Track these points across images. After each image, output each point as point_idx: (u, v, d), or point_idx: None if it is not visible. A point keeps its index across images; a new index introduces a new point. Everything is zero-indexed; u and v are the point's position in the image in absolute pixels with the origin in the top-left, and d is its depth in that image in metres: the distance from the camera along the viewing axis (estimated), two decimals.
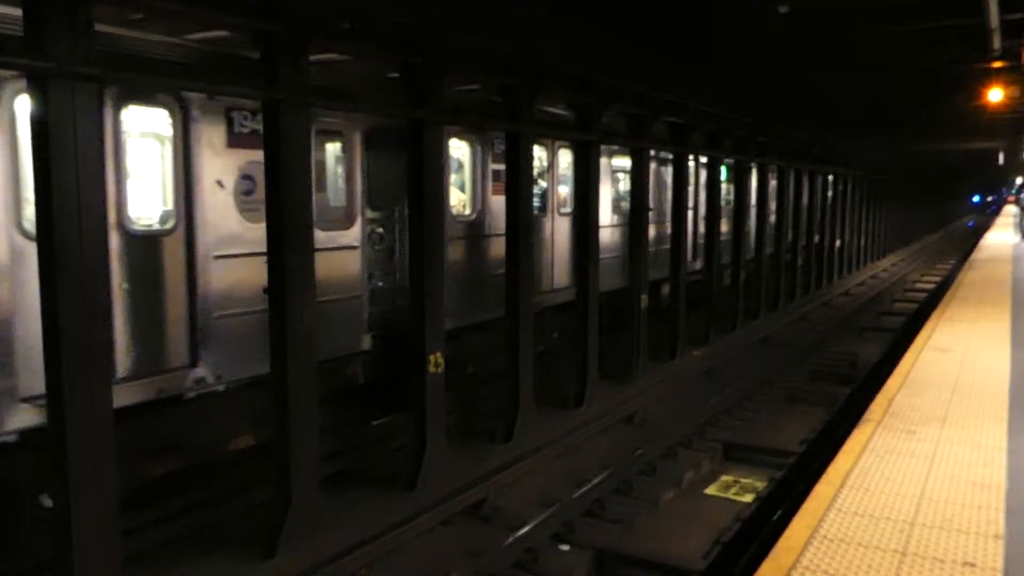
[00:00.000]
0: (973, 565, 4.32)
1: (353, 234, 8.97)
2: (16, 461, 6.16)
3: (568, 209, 12.58)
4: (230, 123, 7.48)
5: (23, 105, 5.97)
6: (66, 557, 5.14)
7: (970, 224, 66.71)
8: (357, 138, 8.91)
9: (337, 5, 6.55)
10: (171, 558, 6.52)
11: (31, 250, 5.63)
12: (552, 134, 11.51)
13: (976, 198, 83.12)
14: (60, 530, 5.21)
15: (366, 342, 9.07)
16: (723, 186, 16.19)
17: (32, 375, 5.79)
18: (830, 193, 23.93)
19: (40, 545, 5.98)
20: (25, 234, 6.11)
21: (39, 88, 4.89)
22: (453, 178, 10.82)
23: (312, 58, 6.61)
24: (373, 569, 6.70)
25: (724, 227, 16.24)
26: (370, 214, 9.66)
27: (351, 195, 8.99)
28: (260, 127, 7.00)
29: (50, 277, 5.05)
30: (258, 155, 6.81)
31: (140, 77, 6.63)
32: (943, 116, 18.48)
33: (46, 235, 5.03)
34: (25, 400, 6.06)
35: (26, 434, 6.10)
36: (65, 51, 4.86)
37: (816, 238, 22.57)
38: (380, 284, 10.01)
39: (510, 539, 7.07)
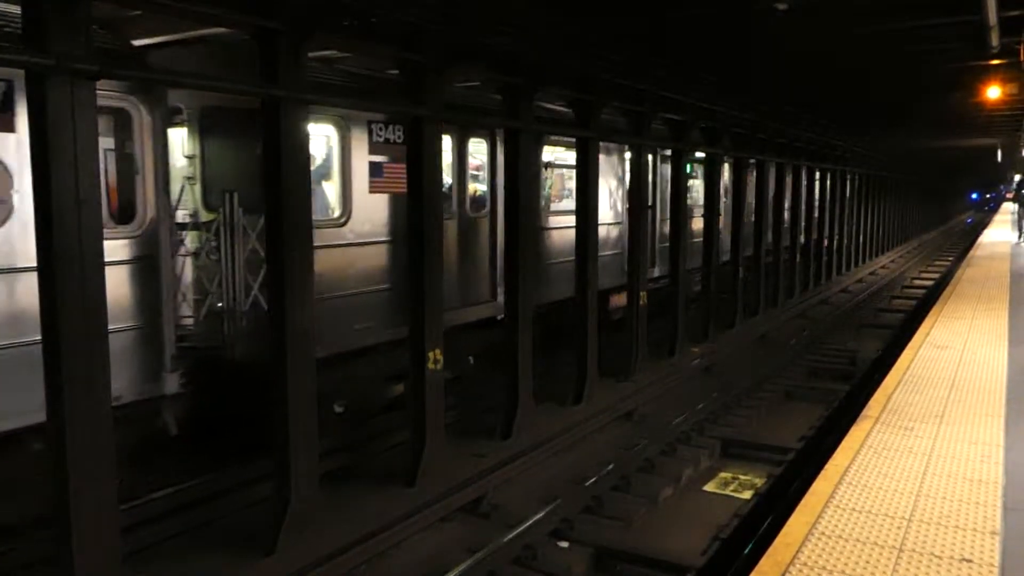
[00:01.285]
0: (970, 561, 4.33)
1: (144, 242, 7.00)
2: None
3: (486, 210, 10.90)
4: None
5: None
6: (66, 553, 5.15)
7: (968, 221, 66.81)
8: (147, 120, 6.94)
9: (337, 2, 6.55)
10: (171, 555, 6.54)
11: None
12: (550, 130, 11.49)
13: (974, 195, 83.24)
14: (60, 527, 5.22)
15: (171, 383, 7.13)
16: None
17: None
18: (828, 190, 23.95)
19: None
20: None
21: (38, 85, 4.90)
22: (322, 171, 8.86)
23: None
24: (372, 566, 6.71)
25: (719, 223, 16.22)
26: (205, 215, 7.93)
27: (139, 191, 6.97)
28: None
29: (49, 273, 5.06)
30: None
31: (139, 74, 6.63)
32: (941, 113, 18.51)
33: (45, 231, 5.03)
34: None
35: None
36: (65, 48, 4.86)
37: (815, 235, 22.61)
38: (218, 305, 7.76)
39: (509, 536, 7.08)
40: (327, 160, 8.83)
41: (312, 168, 7.65)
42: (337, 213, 8.75)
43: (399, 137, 9.10)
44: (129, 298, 6.85)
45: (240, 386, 7.45)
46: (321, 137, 8.71)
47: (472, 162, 10.94)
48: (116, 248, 6.61)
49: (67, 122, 4.94)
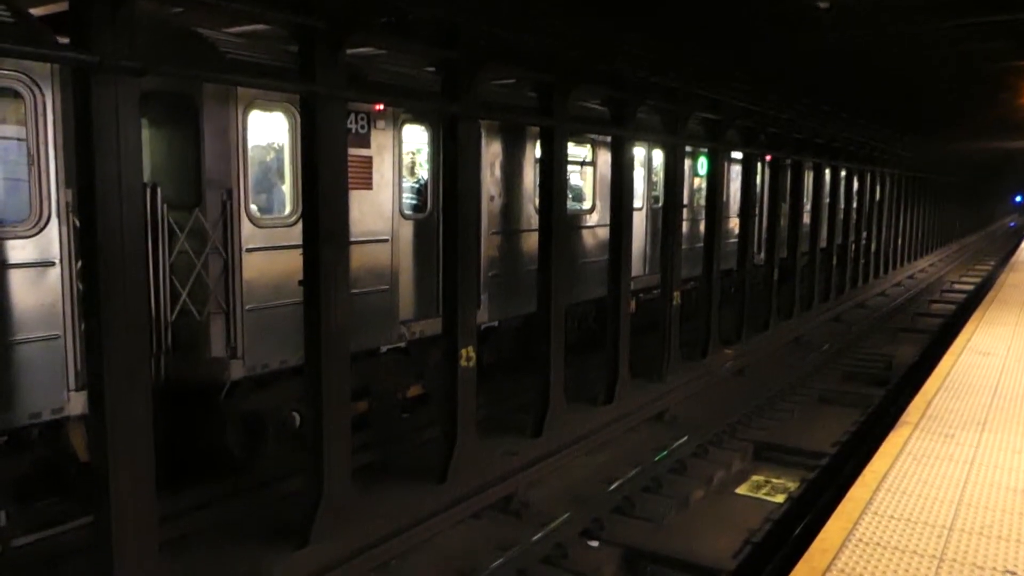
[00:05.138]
0: (1014, 573, 4.23)
1: (42, 244, 6.05)
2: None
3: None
4: None
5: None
6: (105, 542, 5.25)
7: (1012, 224, 65.39)
8: (47, 103, 5.98)
9: (375, 0, 6.57)
10: (205, 545, 6.62)
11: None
12: (586, 129, 11.43)
13: (1018, 198, 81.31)
14: (98, 514, 5.33)
15: (75, 404, 6.18)
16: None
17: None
18: (866, 191, 23.57)
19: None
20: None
21: (83, 81, 4.99)
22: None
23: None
24: (404, 561, 6.74)
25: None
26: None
27: (33, 185, 6.00)
28: None
29: (93, 262, 5.19)
30: None
31: (179, 70, 6.65)
32: (985, 114, 18.09)
33: (89, 224, 5.15)
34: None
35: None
36: (109, 46, 4.95)
37: (851, 237, 22.28)
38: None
39: (540, 534, 7.08)
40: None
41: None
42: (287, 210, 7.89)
43: None
44: (24, 308, 5.97)
45: (164, 408, 6.52)
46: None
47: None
48: (15, 252, 5.93)
49: (111, 118, 5.03)
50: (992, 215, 66.18)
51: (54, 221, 6.08)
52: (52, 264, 6.09)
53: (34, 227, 6.01)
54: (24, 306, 5.96)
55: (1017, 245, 31.32)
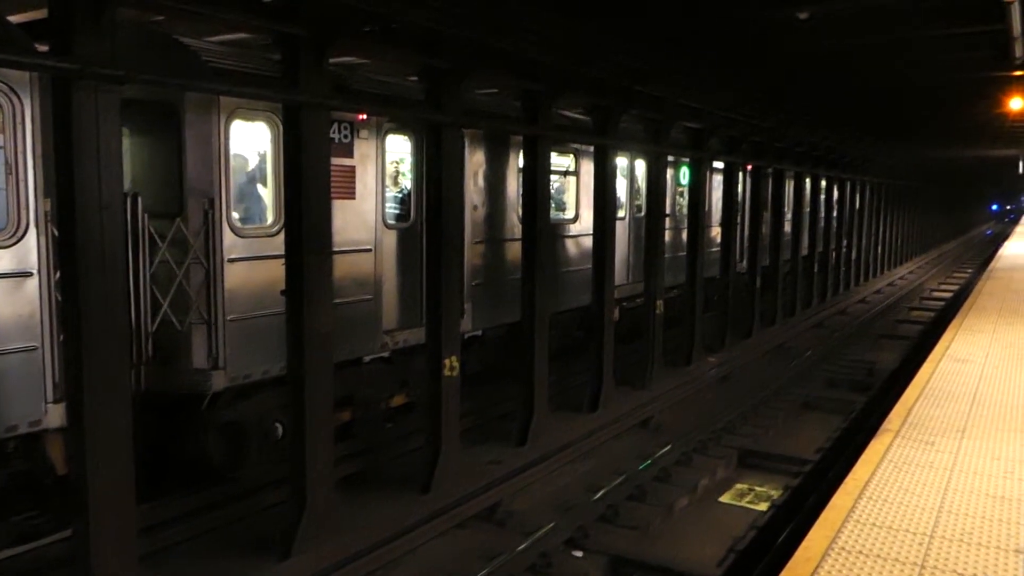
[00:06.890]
0: None
1: (20, 254, 5.96)
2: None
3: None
4: None
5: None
6: (84, 555, 5.18)
7: (988, 232, 66.27)
8: (26, 111, 5.86)
9: (359, 8, 6.56)
10: (187, 557, 6.56)
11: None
12: (570, 138, 11.47)
13: (994, 206, 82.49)
14: (77, 527, 5.26)
15: (53, 416, 6.08)
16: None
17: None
18: (847, 199, 23.80)
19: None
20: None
21: (63, 89, 4.94)
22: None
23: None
24: (388, 572, 6.70)
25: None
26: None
27: (11, 194, 5.90)
28: None
29: (72, 269, 5.14)
30: None
31: (161, 79, 6.60)
32: (963, 123, 18.34)
33: (68, 230, 5.09)
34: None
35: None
36: (90, 53, 4.91)
37: (832, 245, 22.49)
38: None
39: (524, 544, 7.05)
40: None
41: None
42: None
43: None
44: (1, 319, 5.86)
45: (145, 419, 6.55)
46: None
47: None
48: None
49: (91, 127, 4.98)
50: (970, 223, 67.02)
51: (32, 231, 5.99)
52: (30, 275, 6.00)
53: (11, 237, 5.91)
54: (1, 317, 5.86)
55: (994, 253, 31.70)
